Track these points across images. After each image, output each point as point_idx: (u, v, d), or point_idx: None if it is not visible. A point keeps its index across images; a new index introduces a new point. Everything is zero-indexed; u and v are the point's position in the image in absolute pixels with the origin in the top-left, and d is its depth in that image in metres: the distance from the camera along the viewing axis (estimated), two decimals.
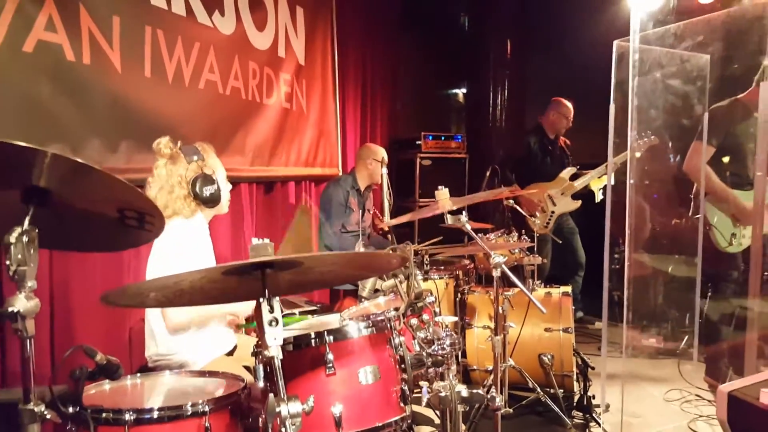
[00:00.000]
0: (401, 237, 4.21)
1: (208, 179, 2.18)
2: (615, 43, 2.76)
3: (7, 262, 1.07)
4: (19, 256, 1.07)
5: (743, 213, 3.11)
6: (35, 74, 2.23)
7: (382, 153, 4.10)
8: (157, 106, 2.87)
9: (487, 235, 3.61)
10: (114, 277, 2.59)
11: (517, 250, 3.50)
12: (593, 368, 3.17)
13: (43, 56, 2.24)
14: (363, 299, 2.08)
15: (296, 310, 3.12)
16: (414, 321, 1.88)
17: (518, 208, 3.88)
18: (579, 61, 5.22)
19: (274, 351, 1.25)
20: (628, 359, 3.50)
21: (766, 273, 3.04)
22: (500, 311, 2.65)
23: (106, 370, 1.35)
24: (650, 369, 3.72)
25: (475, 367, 3.35)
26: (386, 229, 3.66)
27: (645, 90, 3.09)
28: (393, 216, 3.47)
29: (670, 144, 3.64)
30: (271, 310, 1.28)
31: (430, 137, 5.52)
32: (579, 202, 4.76)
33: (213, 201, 2.21)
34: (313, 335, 1.57)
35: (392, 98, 5.84)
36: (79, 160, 1.11)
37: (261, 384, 1.49)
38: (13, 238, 1.07)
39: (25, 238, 1.08)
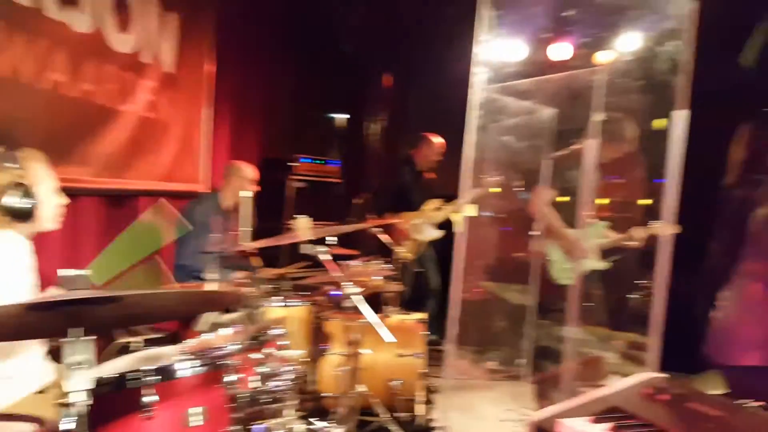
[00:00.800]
0: (270, 259, 4.13)
1: (22, 190, 1.91)
2: (470, 91, 2.97)
3: None
4: None
5: (574, 249, 3.47)
6: None
7: (248, 172, 3.99)
8: None
9: (350, 262, 3.65)
10: None
11: (378, 278, 3.58)
12: (436, 392, 3.31)
13: None
14: (202, 334, 1.98)
15: (140, 338, 2.90)
16: (257, 355, 1.83)
17: (384, 236, 3.99)
18: (449, 100, 5.53)
19: (78, 397, 1.14)
20: (468, 382, 3.71)
21: (588, 304, 3.42)
22: (354, 339, 2.67)
23: None
24: (488, 391, 3.96)
25: (328, 393, 3.34)
26: (246, 251, 3.56)
27: (498, 134, 3.35)
28: (256, 239, 3.39)
29: (518, 185, 3.96)
30: (81, 352, 1.17)
31: (305, 160, 5.50)
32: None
33: (23, 216, 1.93)
34: (132, 376, 1.45)
35: (269, 118, 5.74)
36: None
37: (66, 428, 1.34)
38: None
39: None
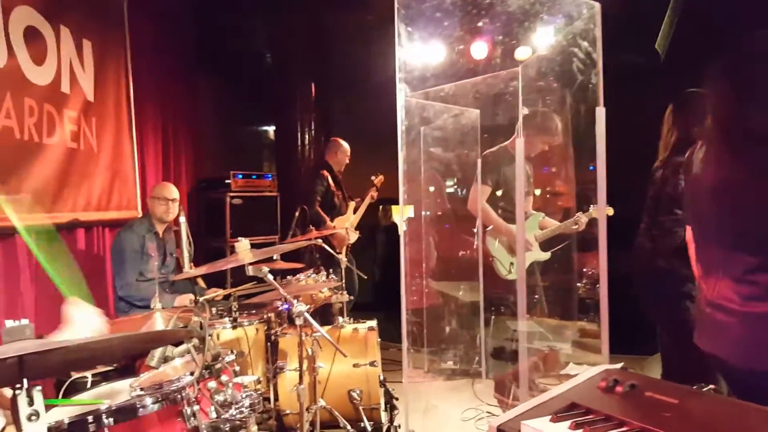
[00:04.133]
0: (212, 279, 4.06)
1: None
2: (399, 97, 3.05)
3: None
4: None
5: (515, 243, 3.58)
6: None
7: (162, 190, 3.89)
8: None
9: (297, 276, 3.66)
10: None
11: (326, 290, 3.61)
12: (397, 398, 3.36)
13: None
14: (152, 369, 1.95)
15: (88, 373, 2.81)
16: (212, 384, 1.83)
17: (326, 246, 4.01)
18: (373, 105, 5.62)
19: None
20: (429, 383, 3.78)
21: (535, 297, 3.55)
22: (308, 354, 2.69)
23: None
24: (449, 391, 4.05)
25: (288, 411, 3.34)
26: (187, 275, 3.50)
27: (429, 138, 3.45)
28: (201, 260, 3.34)
29: (455, 183, 4.08)
30: (31, 403, 1.15)
31: (240, 176, 5.46)
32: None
33: None
34: (90, 419, 1.44)
35: (197, 136, 5.66)
36: None
37: None
38: None
39: None
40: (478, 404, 3.76)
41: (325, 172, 5.01)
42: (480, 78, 3.14)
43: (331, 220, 4.89)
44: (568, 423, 1.37)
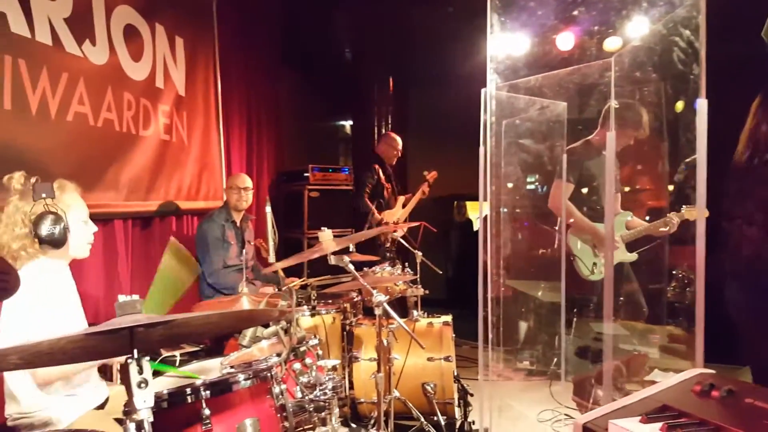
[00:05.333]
0: (290, 269, 4.19)
1: (53, 218, 1.98)
2: (483, 90, 3.00)
3: None
4: None
5: (602, 243, 3.44)
6: None
7: (235, 179, 4.05)
8: (18, 139, 2.67)
9: (373, 269, 3.70)
10: None
11: (401, 283, 3.63)
12: (472, 394, 3.33)
13: None
14: (243, 347, 2.04)
15: (177, 353, 2.98)
16: (297, 365, 1.88)
17: (403, 241, 4.02)
18: (453, 100, 5.57)
19: (144, 414, 1.20)
20: (504, 382, 3.71)
21: (620, 299, 3.40)
22: (384, 345, 2.71)
23: None
24: (524, 391, 3.97)
25: (362, 399, 3.38)
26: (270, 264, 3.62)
27: (511, 132, 3.37)
28: (280, 251, 3.44)
29: (536, 179, 3.98)
30: (141, 371, 1.23)
31: (317, 169, 5.58)
32: (404, 229, 5.00)
33: (54, 242, 2.00)
34: (188, 391, 1.52)
35: (278, 130, 5.84)
36: None
37: None
38: None
39: None
40: (554, 406, 3.65)
41: (377, 166, 5.04)
42: (570, 69, 3.04)
43: (379, 213, 4.91)
44: (659, 425, 1.34)
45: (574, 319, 3.58)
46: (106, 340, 1.28)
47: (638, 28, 2.96)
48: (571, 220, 3.56)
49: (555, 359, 4.00)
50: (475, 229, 5.13)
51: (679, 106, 3.06)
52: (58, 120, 2.95)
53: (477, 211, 5.09)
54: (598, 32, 3.33)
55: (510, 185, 4.13)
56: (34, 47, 2.81)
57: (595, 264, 3.49)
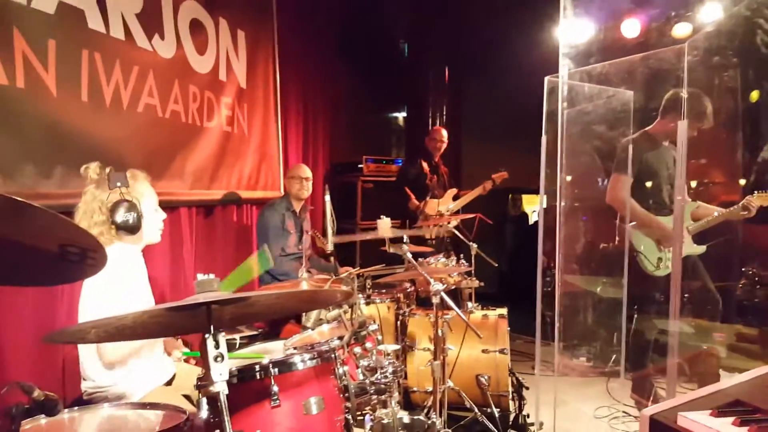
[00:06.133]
0: (343, 260, 4.26)
1: (128, 206, 2.09)
2: (546, 78, 2.95)
3: None
4: None
5: (667, 237, 3.31)
6: None
7: (297, 169, 4.17)
8: (93, 130, 2.80)
9: (427, 260, 3.71)
10: (46, 309, 2.49)
11: (455, 274, 3.63)
12: (527, 388, 3.29)
13: None
14: (307, 329, 2.10)
15: (236, 336, 3.08)
16: (357, 349, 1.92)
17: (456, 232, 4.01)
18: (510, 89, 5.49)
19: (220, 387, 1.26)
20: (560, 378, 3.65)
21: (686, 295, 3.27)
22: (439, 335, 2.72)
23: (44, 406, 1.30)
24: (581, 387, 3.90)
25: (415, 388, 3.41)
26: (328, 252, 3.70)
27: (573, 122, 3.29)
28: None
29: (598, 172, 3.87)
30: (217, 346, 1.29)
31: (371, 161, 5.62)
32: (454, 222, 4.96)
33: (130, 228, 2.10)
34: (258, 368, 1.59)
35: (334, 121, 5.91)
36: (16, 198, 1.09)
37: (204, 416, 1.49)
38: None
39: None
40: (611, 403, 3.57)
41: (421, 159, 5.12)
42: (640, 55, 2.93)
43: (423, 204, 4.89)
44: (731, 419, 1.31)
45: (635, 316, 3.48)
46: (184, 316, 1.34)
47: (712, 13, 2.83)
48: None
49: (614, 356, 3.90)
50: (531, 222, 5.04)
51: (754, 95, 2.91)
52: (129, 112, 3.09)
53: (533, 204, 5.00)
54: (667, 18, 3.20)
55: (569, 178, 4.04)
56: (109, 42, 2.94)
57: (660, 259, 3.37)
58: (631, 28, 3.46)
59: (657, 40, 3.37)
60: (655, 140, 3.37)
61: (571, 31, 2.71)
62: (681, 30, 3.18)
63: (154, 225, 2.27)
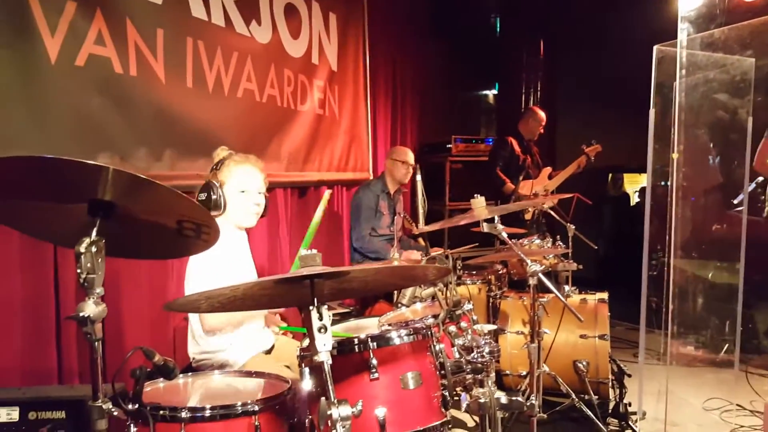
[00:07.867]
0: (432, 240, 4.24)
1: (208, 187, 2.18)
2: (655, 48, 2.73)
3: (78, 271, 1.13)
4: (89, 265, 1.13)
5: None
6: (86, 87, 2.32)
7: (405, 154, 4.16)
8: (198, 115, 2.95)
9: (521, 241, 3.60)
10: (158, 280, 2.68)
11: (551, 256, 3.50)
12: (630, 375, 3.13)
13: (93, 69, 2.33)
14: (401, 305, 2.11)
15: (330, 313, 3.16)
16: (452, 328, 1.90)
17: (552, 213, 3.86)
18: (611, 61, 5.17)
19: (324, 357, 1.29)
20: (664, 366, 3.44)
21: None
22: (536, 318, 2.64)
23: (163, 370, 1.41)
24: (688, 377, 3.67)
25: (508, 372, 3.35)
26: (416, 233, 3.70)
27: (687, 94, 3.04)
28: (426, 222, 3.49)
29: (712, 148, 3.57)
30: (320, 318, 1.32)
31: (460, 140, 5.53)
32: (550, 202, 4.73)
33: (209, 208, 2.15)
34: (356, 341, 1.61)
35: (422, 102, 5.87)
36: (140, 176, 1.17)
37: (307, 386, 1.55)
38: (82, 248, 1.13)
39: (93, 248, 1.15)
40: (721, 394, 3.32)
41: (511, 138, 4.97)
42: (761, 20, 2.65)
43: (518, 186, 4.73)
44: None
45: (756, 304, 3.20)
46: (288, 288, 1.39)
47: None
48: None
49: (726, 345, 3.61)
50: (632, 203, 4.75)
51: None
52: (230, 96, 3.23)
53: (635, 184, 4.70)
54: None
55: (675, 156, 3.76)
56: (210, 29, 3.08)
57: None
58: None
59: None
60: None
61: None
62: None
63: (238, 207, 2.26)
